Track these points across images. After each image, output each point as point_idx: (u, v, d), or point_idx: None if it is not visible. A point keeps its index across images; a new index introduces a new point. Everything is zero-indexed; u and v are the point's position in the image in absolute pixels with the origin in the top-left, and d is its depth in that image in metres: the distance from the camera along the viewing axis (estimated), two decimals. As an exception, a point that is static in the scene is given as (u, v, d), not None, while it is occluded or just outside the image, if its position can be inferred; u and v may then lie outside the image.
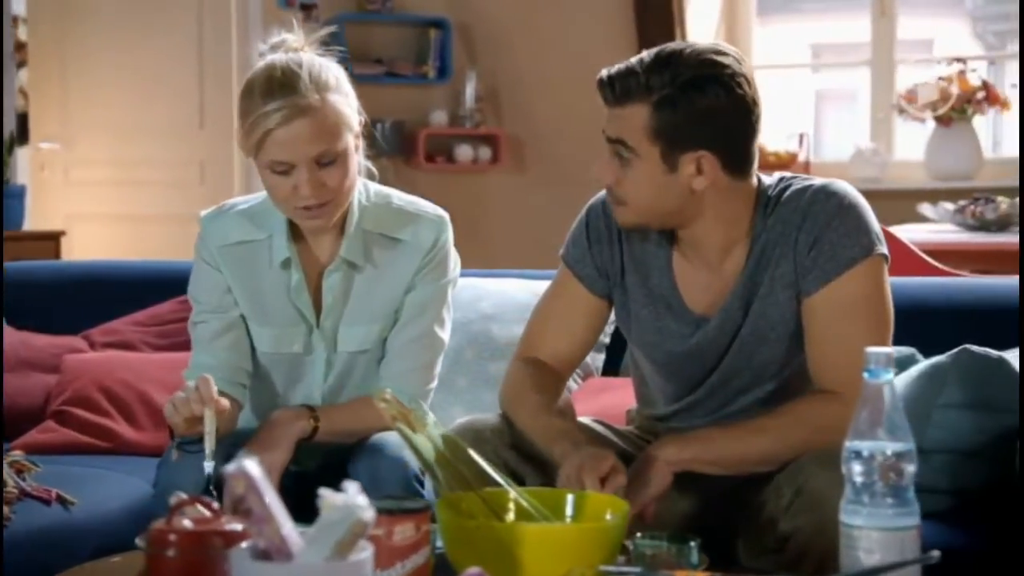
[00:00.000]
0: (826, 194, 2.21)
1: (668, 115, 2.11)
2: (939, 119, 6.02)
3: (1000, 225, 5.08)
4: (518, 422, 2.27)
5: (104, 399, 3.14)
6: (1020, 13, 4.87)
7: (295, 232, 2.53)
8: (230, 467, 1.41)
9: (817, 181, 2.24)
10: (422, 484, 2.39)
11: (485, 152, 6.87)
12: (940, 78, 6.01)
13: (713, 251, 2.24)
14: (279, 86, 2.35)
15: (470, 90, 6.80)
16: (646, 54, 2.15)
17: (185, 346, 3.38)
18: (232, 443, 2.39)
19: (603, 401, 2.77)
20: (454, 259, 2.60)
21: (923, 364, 2.50)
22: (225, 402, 2.24)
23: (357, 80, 2.52)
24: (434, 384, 2.57)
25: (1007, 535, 2.31)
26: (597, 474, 2.02)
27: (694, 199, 2.18)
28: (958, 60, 6.09)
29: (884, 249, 2.20)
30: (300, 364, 2.56)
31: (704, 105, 2.11)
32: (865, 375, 1.64)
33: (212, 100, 6.66)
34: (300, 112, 2.34)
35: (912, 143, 6.49)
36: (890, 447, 1.61)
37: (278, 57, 2.42)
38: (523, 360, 2.37)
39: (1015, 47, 7.27)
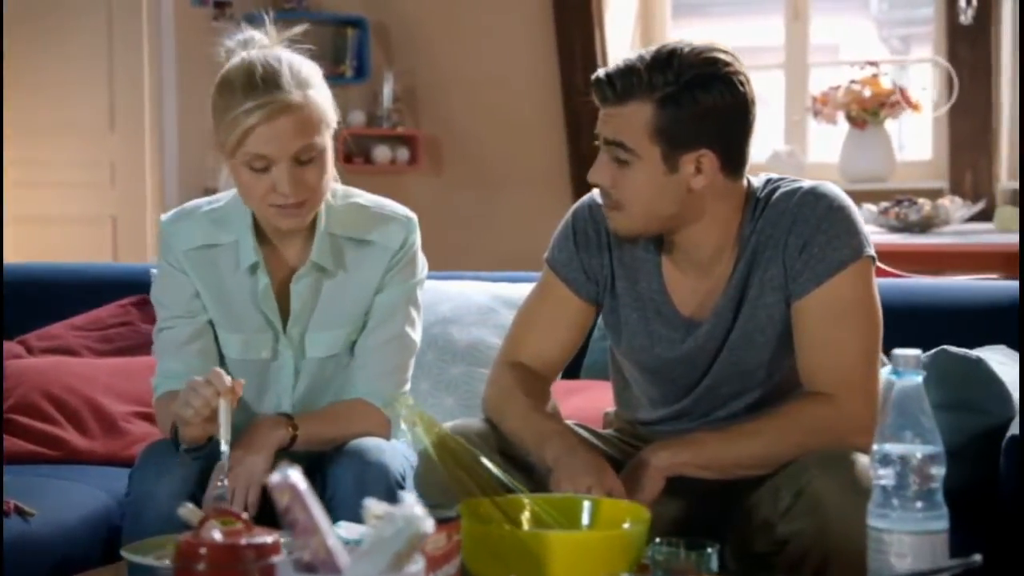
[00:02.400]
0: (815, 196, 2.20)
1: (672, 113, 2.09)
2: (853, 122, 6.09)
3: (923, 226, 5.16)
4: (505, 425, 2.24)
5: (51, 406, 3.03)
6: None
7: (262, 236, 2.48)
8: (275, 477, 1.36)
9: (805, 183, 2.24)
10: (404, 489, 2.35)
11: (403, 153, 6.80)
12: (852, 81, 6.09)
13: (704, 254, 2.23)
14: (261, 82, 2.31)
15: (388, 90, 6.73)
16: (644, 52, 2.13)
17: (129, 351, 3.31)
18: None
19: (574, 404, 2.74)
20: (421, 260, 2.57)
21: (900, 365, 2.50)
22: (241, 383, 2.22)
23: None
24: (408, 386, 2.53)
25: (987, 535, 2.32)
26: (604, 489, 2.01)
27: (691, 201, 2.15)
28: (870, 64, 6.17)
29: (872, 251, 2.21)
30: (268, 371, 2.51)
31: (708, 103, 2.10)
32: (893, 377, 1.64)
33: (123, 101, 6.51)
34: (284, 109, 2.30)
35: (825, 146, 6.56)
36: (920, 450, 1.61)
37: (255, 54, 2.37)
38: (507, 364, 2.33)
39: (921, 51, 7.40)
